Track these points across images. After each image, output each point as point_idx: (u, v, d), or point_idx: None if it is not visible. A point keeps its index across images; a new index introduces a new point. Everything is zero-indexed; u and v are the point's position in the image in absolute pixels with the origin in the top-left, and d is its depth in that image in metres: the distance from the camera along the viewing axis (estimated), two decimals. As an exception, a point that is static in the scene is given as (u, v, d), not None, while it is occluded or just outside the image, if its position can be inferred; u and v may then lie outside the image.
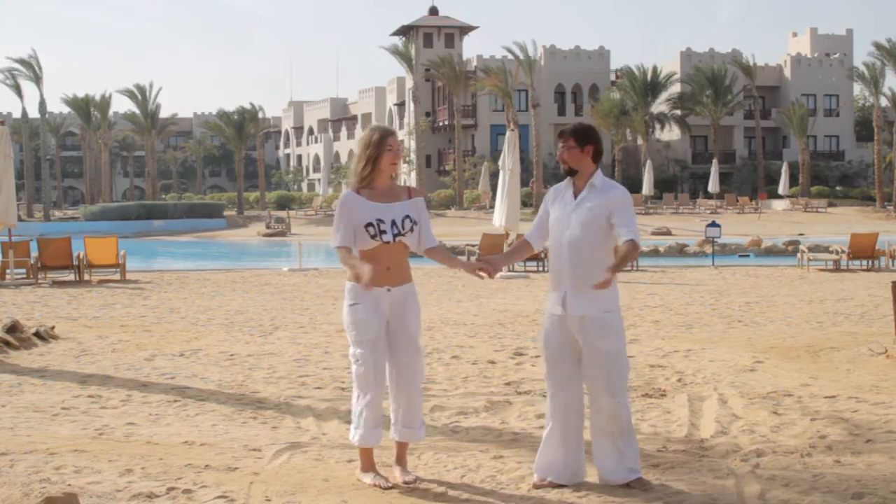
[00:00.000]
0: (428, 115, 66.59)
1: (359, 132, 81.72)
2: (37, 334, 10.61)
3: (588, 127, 5.27)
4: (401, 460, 5.32)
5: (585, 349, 5.06)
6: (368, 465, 5.27)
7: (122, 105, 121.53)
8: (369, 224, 5.11)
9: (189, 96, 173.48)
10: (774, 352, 9.71)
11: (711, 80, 62.68)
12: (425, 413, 7.04)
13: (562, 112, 67.61)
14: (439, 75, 59.88)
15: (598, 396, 5.09)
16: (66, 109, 73.64)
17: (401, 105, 72.72)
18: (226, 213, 58.83)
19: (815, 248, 25.03)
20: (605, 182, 5.16)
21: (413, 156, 62.63)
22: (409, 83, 64.64)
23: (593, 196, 5.10)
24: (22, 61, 61.10)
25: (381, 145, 5.16)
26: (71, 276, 19.55)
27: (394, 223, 5.15)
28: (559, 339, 5.13)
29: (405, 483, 5.17)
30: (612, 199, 5.07)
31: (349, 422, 6.68)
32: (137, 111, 67.30)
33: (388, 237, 5.12)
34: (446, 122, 65.92)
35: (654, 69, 62.81)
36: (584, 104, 67.57)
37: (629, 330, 11.46)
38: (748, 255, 29.37)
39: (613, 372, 5.04)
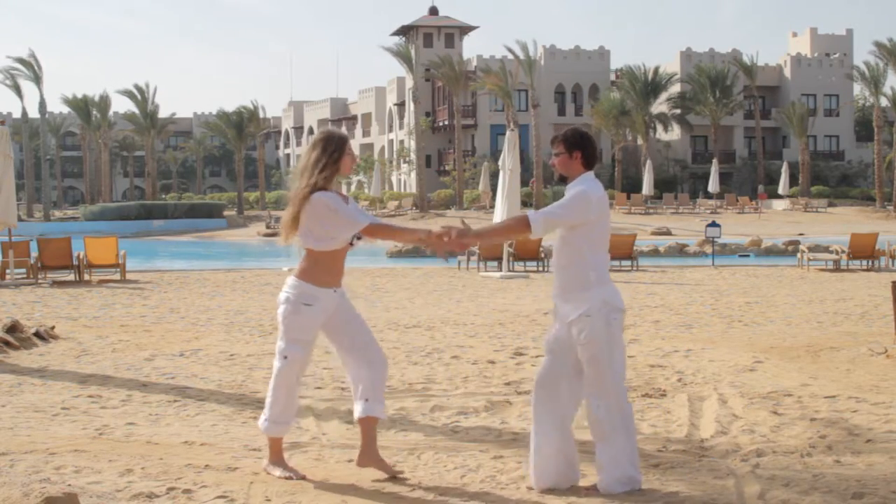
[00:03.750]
0: (428, 115, 66.58)
1: (359, 132, 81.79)
2: (37, 334, 10.60)
3: (578, 132, 5.15)
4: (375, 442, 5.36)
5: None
6: (279, 455, 5.39)
7: (122, 105, 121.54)
8: None
9: (189, 96, 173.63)
10: (774, 352, 9.71)
11: (712, 80, 62.69)
12: (425, 413, 7.05)
13: (562, 112, 67.61)
14: (439, 75, 59.86)
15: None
16: (66, 109, 73.68)
17: (401, 105, 72.72)
18: (226, 213, 58.83)
19: (815, 248, 25.04)
20: (575, 184, 5.04)
21: (413, 156, 62.60)
22: (409, 83, 64.62)
23: None
24: (22, 61, 61.16)
25: (344, 148, 5.21)
26: (71, 276, 19.55)
27: None
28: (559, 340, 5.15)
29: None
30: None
31: (349, 422, 6.71)
32: (137, 111, 67.30)
33: (356, 237, 5.22)
34: (446, 122, 65.91)
35: (656, 70, 62.77)
36: (584, 104, 67.57)
37: (629, 330, 11.46)
38: (748, 255, 29.38)
39: (590, 374, 5.00)
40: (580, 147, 5.07)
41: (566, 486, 5.10)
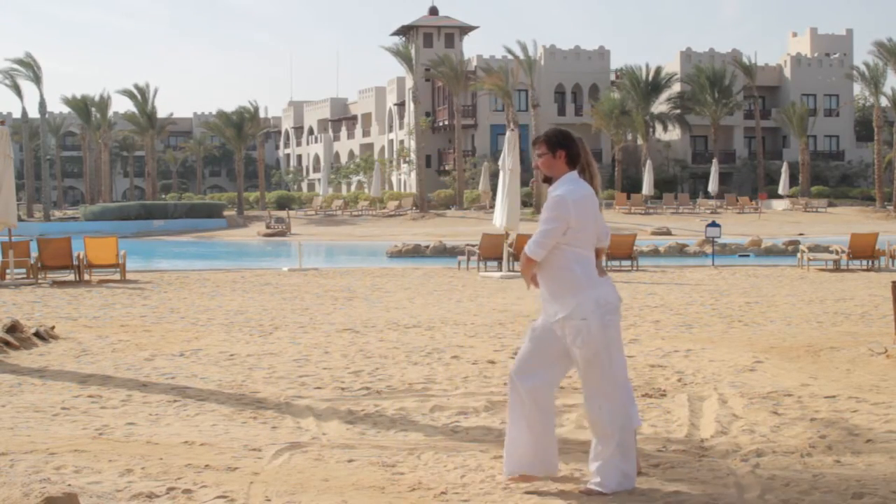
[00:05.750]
0: (428, 115, 66.57)
1: (359, 132, 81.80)
2: (37, 334, 10.60)
3: (559, 131, 5.14)
4: None
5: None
6: None
7: (122, 105, 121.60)
8: None
9: (189, 96, 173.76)
10: (774, 352, 9.71)
11: (712, 80, 62.67)
12: (425, 413, 7.05)
13: (562, 112, 67.58)
14: (439, 75, 59.86)
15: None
16: (66, 109, 73.64)
17: (401, 105, 72.71)
18: (226, 213, 58.81)
19: (815, 248, 25.05)
20: (557, 185, 5.03)
21: (413, 156, 62.61)
22: (409, 83, 64.63)
23: None
24: (21, 61, 61.11)
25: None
26: (71, 276, 19.54)
27: None
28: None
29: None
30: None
31: (349, 422, 6.72)
32: (137, 111, 67.26)
33: None
34: (446, 122, 65.90)
35: (657, 70, 62.72)
36: (584, 104, 67.55)
37: (629, 330, 11.46)
38: (748, 255, 29.39)
39: (588, 376, 5.00)
40: (563, 146, 5.05)
41: (540, 475, 5.09)
